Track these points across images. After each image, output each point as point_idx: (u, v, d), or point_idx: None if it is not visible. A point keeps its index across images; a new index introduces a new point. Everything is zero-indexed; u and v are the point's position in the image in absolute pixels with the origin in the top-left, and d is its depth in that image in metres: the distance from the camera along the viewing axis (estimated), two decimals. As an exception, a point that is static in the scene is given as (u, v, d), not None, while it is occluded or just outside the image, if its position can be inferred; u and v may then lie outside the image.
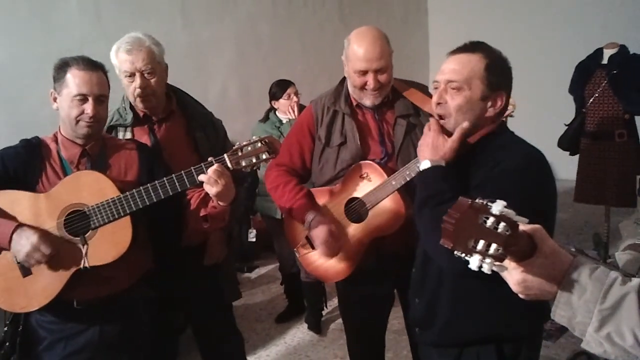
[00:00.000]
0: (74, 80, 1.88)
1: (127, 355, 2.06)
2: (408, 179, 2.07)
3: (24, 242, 1.77)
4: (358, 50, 2.13)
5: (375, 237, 2.17)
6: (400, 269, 2.23)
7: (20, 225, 1.80)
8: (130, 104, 2.34)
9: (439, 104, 1.67)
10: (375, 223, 2.15)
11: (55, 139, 1.99)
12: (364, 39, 2.14)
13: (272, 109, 4.09)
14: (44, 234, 1.80)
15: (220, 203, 1.89)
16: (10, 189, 1.87)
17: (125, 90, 2.31)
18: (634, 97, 4.23)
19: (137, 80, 2.24)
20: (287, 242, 3.82)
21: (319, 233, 2.17)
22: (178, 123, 2.39)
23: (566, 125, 4.52)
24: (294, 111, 3.94)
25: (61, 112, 1.93)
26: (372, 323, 2.47)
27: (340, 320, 3.98)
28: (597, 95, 4.29)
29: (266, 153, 1.86)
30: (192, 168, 1.85)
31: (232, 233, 2.64)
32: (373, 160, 2.19)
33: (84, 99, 1.87)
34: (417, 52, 6.87)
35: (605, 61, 4.35)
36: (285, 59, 5.36)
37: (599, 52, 4.40)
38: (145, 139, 2.31)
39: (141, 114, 2.35)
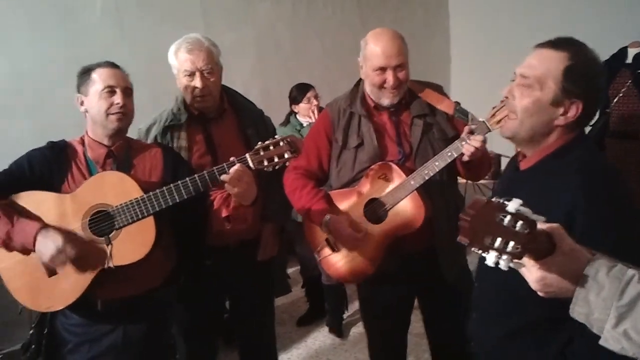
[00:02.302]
0: (100, 76, 1.95)
1: (151, 359, 2.08)
2: (427, 178, 2.08)
3: (50, 245, 1.79)
4: (376, 48, 2.15)
5: (395, 237, 2.16)
6: (422, 270, 2.24)
7: (45, 226, 1.83)
8: (184, 103, 2.38)
9: (506, 97, 1.51)
10: (395, 223, 2.15)
11: (82, 141, 2.03)
12: (381, 38, 2.16)
13: (293, 113, 4.11)
14: (69, 236, 1.83)
15: (242, 203, 1.90)
16: (36, 189, 1.90)
17: (182, 89, 2.36)
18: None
19: (197, 79, 2.29)
20: (308, 246, 3.88)
21: (339, 228, 2.18)
22: (230, 121, 2.43)
23: (590, 125, 4.46)
24: (314, 114, 3.95)
25: (91, 111, 1.97)
26: (393, 326, 2.46)
27: (361, 324, 3.98)
28: (621, 94, 4.22)
29: (289, 152, 1.87)
30: (214, 168, 1.86)
31: (284, 230, 2.67)
32: (391, 161, 2.19)
33: (111, 91, 1.93)
34: (438, 54, 6.83)
35: (629, 60, 4.28)
36: (305, 62, 5.37)
37: (623, 51, 4.33)
38: (199, 137, 2.36)
39: (195, 113, 2.38)
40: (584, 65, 1.42)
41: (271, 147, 1.87)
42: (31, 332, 2.10)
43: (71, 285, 1.86)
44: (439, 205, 2.17)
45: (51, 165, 1.96)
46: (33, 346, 2.06)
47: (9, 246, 1.84)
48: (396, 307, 2.37)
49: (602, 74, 1.49)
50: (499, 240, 0.97)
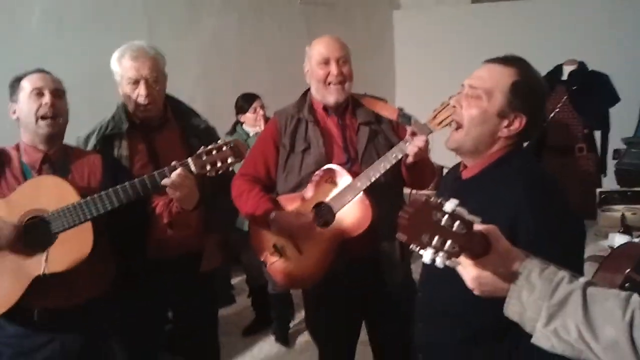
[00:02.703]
0: (28, 81, 1.94)
1: None
2: (373, 180, 2.11)
3: None
4: (319, 44, 2.27)
5: (342, 241, 2.18)
6: (366, 275, 2.26)
7: None
8: (126, 112, 2.33)
9: (454, 107, 1.57)
10: (342, 226, 2.17)
11: (17, 147, 1.99)
12: (324, 38, 2.31)
13: (239, 122, 4.11)
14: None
15: (184, 207, 1.89)
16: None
17: (125, 98, 2.30)
18: (593, 112, 4.38)
19: (142, 88, 2.23)
20: (254, 255, 3.86)
21: (286, 220, 2.19)
22: (173, 131, 2.39)
23: (528, 138, 4.62)
24: (260, 124, 3.96)
25: (21, 116, 1.94)
26: (341, 330, 2.45)
27: (307, 332, 3.99)
28: (557, 110, 4.42)
29: (232, 157, 1.86)
30: (155, 172, 1.84)
31: (228, 240, 2.66)
32: (337, 164, 2.21)
33: (39, 93, 1.91)
34: (383, 73, 6.97)
35: (565, 77, 4.50)
36: (251, 72, 5.37)
37: (558, 69, 4.55)
38: (141, 147, 2.31)
39: (137, 122, 2.33)
40: (530, 82, 1.51)
41: (214, 152, 1.86)
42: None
43: (6, 292, 1.80)
44: (384, 209, 2.18)
45: None
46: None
47: None
48: (342, 303, 2.36)
49: (544, 92, 1.59)
50: (436, 238, 1.00)
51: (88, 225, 1.83)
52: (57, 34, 4.24)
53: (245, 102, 4.06)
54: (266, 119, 3.99)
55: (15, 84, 1.96)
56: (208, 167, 1.85)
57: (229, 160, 1.87)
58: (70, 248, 1.81)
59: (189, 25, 5.00)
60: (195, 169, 1.85)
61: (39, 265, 1.79)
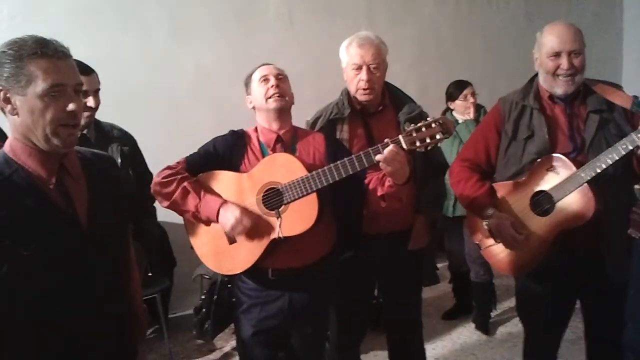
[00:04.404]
0: (256, 73, 2.25)
1: (311, 327, 2.27)
2: (599, 171, 2.01)
3: (230, 217, 2.03)
4: (551, 34, 2.18)
5: (562, 232, 2.13)
6: (586, 269, 2.19)
7: (226, 201, 2.09)
8: (349, 97, 2.55)
9: None
10: (562, 216, 2.12)
11: (255, 129, 2.29)
12: (557, 25, 2.20)
13: (449, 109, 4.12)
14: (245, 209, 2.07)
15: (396, 182, 2.02)
16: (220, 169, 2.17)
17: (348, 83, 2.53)
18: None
19: (364, 73, 2.44)
20: (458, 242, 3.90)
21: (501, 226, 2.20)
22: (390, 116, 2.54)
23: None
24: (470, 112, 3.95)
25: (255, 102, 2.24)
26: (549, 324, 2.40)
27: (509, 323, 3.93)
28: None
29: (440, 133, 1.91)
30: (369, 149, 1.98)
31: (436, 222, 2.77)
32: (561, 154, 2.15)
33: (266, 79, 2.20)
34: (609, 52, 6.41)
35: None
36: (465, 59, 5.33)
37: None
38: (360, 131, 2.51)
39: (358, 107, 2.54)
40: None
41: (423, 129, 1.92)
42: (202, 297, 2.41)
43: (248, 253, 2.09)
44: (610, 202, 2.08)
45: (232, 149, 2.22)
46: (203, 310, 2.37)
47: (197, 218, 2.12)
48: (555, 304, 2.32)
49: None
50: None
51: (314, 197, 2.05)
52: (288, 25, 4.67)
53: (456, 89, 4.04)
54: (477, 107, 3.98)
55: (248, 79, 2.28)
56: (418, 143, 1.93)
57: (438, 137, 1.91)
58: (300, 216, 2.04)
59: (405, 13, 5.14)
60: (406, 145, 1.93)
61: (275, 230, 2.06)
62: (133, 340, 1.70)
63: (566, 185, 2.09)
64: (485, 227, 2.30)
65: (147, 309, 1.85)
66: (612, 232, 2.10)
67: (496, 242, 2.29)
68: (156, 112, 4.19)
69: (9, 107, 1.42)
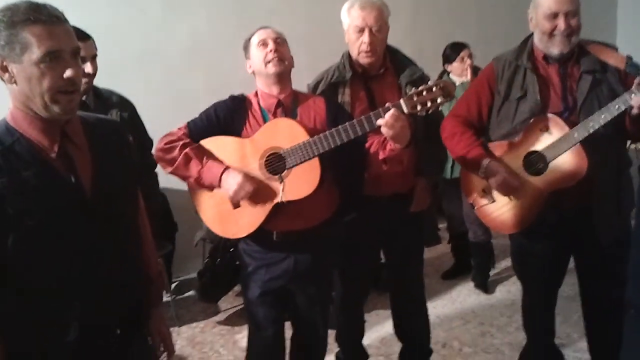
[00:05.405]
0: (254, 37, 2.23)
1: (315, 287, 2.32)
2: (591, 131, 2.04)
3: (232, 182, 2.07)
4: None
5: (554, 191, 2.17)
6: (577, 228, 2.24)
7: (228, 167, 2.11)
8: (350, 60, 2.54)
9: None
10: (554, 176, 2.16)
11: (256, 94, 2.29)
12: None
13: (446, 72, 4.12)
14: (247, 175, 2.10)
15: (397, 145, 2.03)
16: (222, 135, 2.19)
17: (350, 46, 2.52)
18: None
19: (366, 35, 2.43)
20: (456, 203, 3.94)
21: (496, 172, 2.23)
22: (391, 79, 2.55)
23: None
24: (467, 74, 3.94)
25: (254, 66, 2.23)
26: (546, 278, 2.46)
27: (507, 282, 4.02)
28: None
29: (441, 97, 1.93)
30: (371, 113, 2.00)
31: (437, 184, 2.81)
32: (554, 113, 2.18)
33: (264, 43, 2.19)
34: (603, 14, 6.38)
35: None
36: (460, 21, 5.32)
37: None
38: (362, 94, 2.51)
39: (359, 70, 2.54)
40: None
41: (424, 93, 1.93)
42: (206, 260, 2.45)
43: (252, 216, 2.13)
44: (602, 162, 2.12)
45: (233, 114, 2.23)
46: (207, 274, 2.41)
47: (199, 184, 2.15)
48: (549, 261, 2.38)
49: None
50: None
51: (316, 161, 2.07)
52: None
53: (452, 51, 4.05)
54: (474, 69, 3.97)
55: (247, 43, 2.25)
56: (419, 107, 1.94)
57: (439, 100, 1.93)
58: (303, 180, 2.07)
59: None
60: (407, 109, 1.95)
61: (278, 195, 2.08)
62: (149, 303, 1.71)
63: (559, 145, 2.12)
64: (480, 181, 2.33)
65: (164, 269, 1.83)
66: (602, 191, 2.15)
67: (490, 201, 2.33)
68: (151, 78, 4.18)
69: (6, 75, 1.39)
